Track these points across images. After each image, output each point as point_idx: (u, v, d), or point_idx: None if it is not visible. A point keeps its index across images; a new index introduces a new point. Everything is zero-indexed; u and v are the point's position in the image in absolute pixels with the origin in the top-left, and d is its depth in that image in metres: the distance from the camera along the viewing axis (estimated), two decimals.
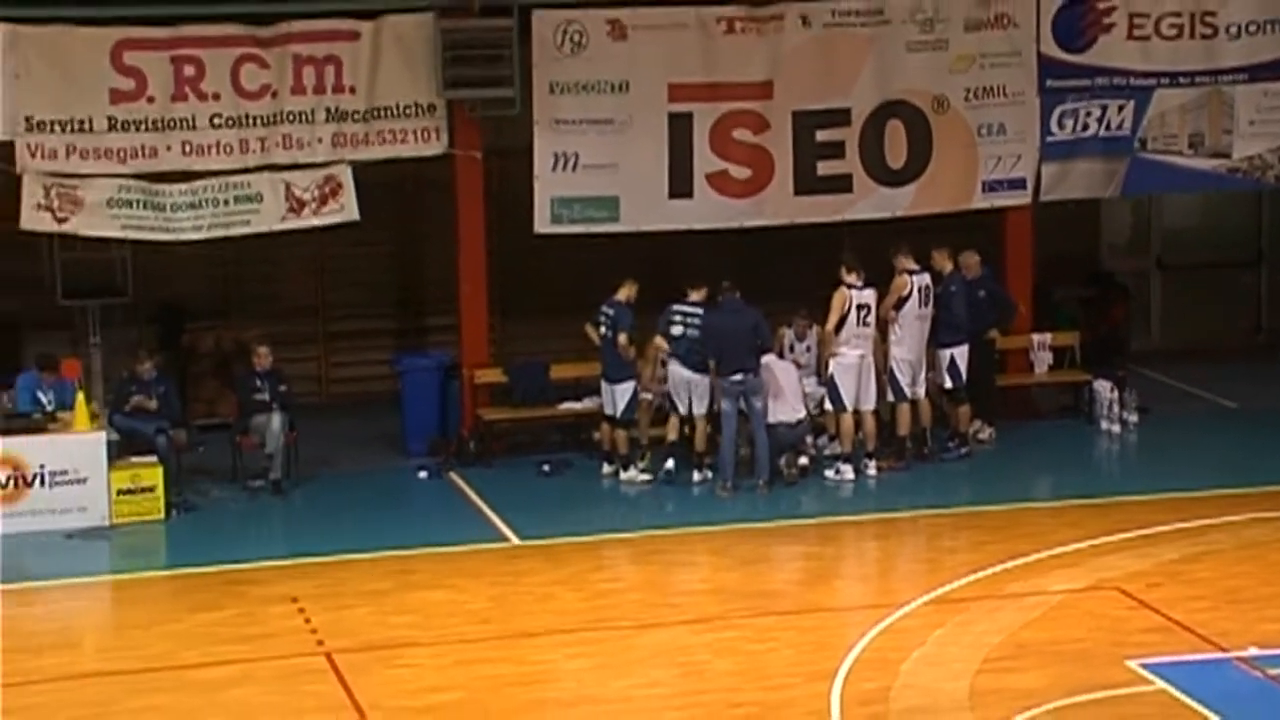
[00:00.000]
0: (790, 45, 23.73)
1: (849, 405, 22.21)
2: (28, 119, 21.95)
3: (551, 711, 15.99)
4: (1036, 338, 24.82)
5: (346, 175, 22.81)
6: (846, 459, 22.31)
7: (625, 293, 22.36)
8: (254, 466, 22.64)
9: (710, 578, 19.57)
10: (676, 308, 22.06)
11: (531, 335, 25.10)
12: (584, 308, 23.05)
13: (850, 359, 22.19)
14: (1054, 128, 24.44)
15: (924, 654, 16.65)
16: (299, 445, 22.81)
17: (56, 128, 22.00)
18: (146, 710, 16.12)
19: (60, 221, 22.13)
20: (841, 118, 23.96)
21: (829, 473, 22.46)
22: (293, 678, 16.65)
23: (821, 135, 24.07)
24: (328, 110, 22.70)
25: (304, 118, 22.64)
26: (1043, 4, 24.09)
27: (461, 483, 22.75)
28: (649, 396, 22.64)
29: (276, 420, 22.32)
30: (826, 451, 22.92)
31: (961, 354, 23.08)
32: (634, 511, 21.91)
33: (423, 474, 23.14)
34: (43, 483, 21.12)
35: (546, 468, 23.01)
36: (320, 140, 22.74)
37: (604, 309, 22.37)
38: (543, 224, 23.49)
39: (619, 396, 22.30)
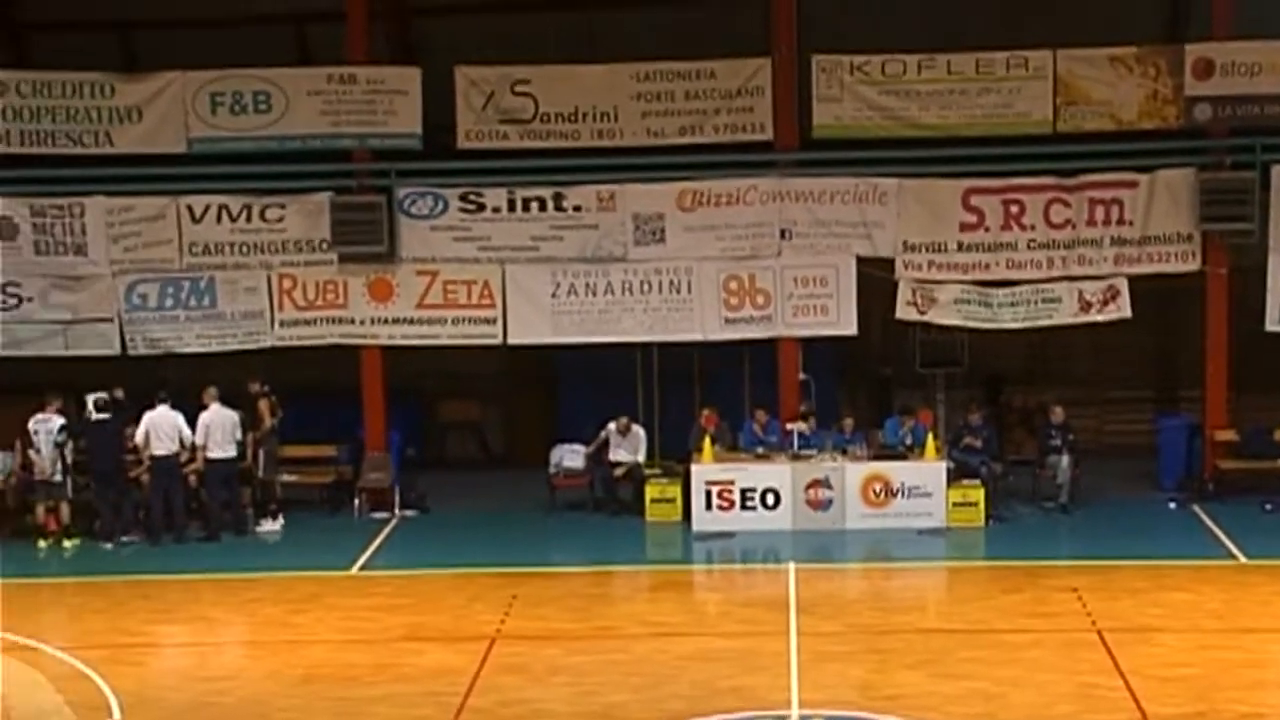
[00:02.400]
0: None
1: None
2: (904, 243, 22.53)
3: (1271, 692, 15.38)
4: None
5: (1123, 285, 22.59)
6: None
7: None
8: (1048, 492, 22.70)
9: None
10: None
11: (1260, 406, 23.99)
12: None
13: None
14: None
15: None
16: (1081, 479, 22.70)
17: (923, 249, 22.50)
18: (971, 660, 16.28)
19: (921, 313, 22.65)
20: None
21: None
22: (1072, 647, 16.67)
23: None
24: (1111, 238, 22.56)
25: (1094, 243, 22.55)
26: None
27: (1201, 514, 22.35)
28: None
29: (1065, 460, 22.39)
30: None
31: None
32: None
33: (1172, 505, 22.79)
34: (903, 494, 21.59)
35: (1269, 506, 22.37)
36: (1105, 259, 22.57)
37: None
38: (1272, 323, 22.65)
39: None
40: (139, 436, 21.67)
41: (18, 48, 24.42)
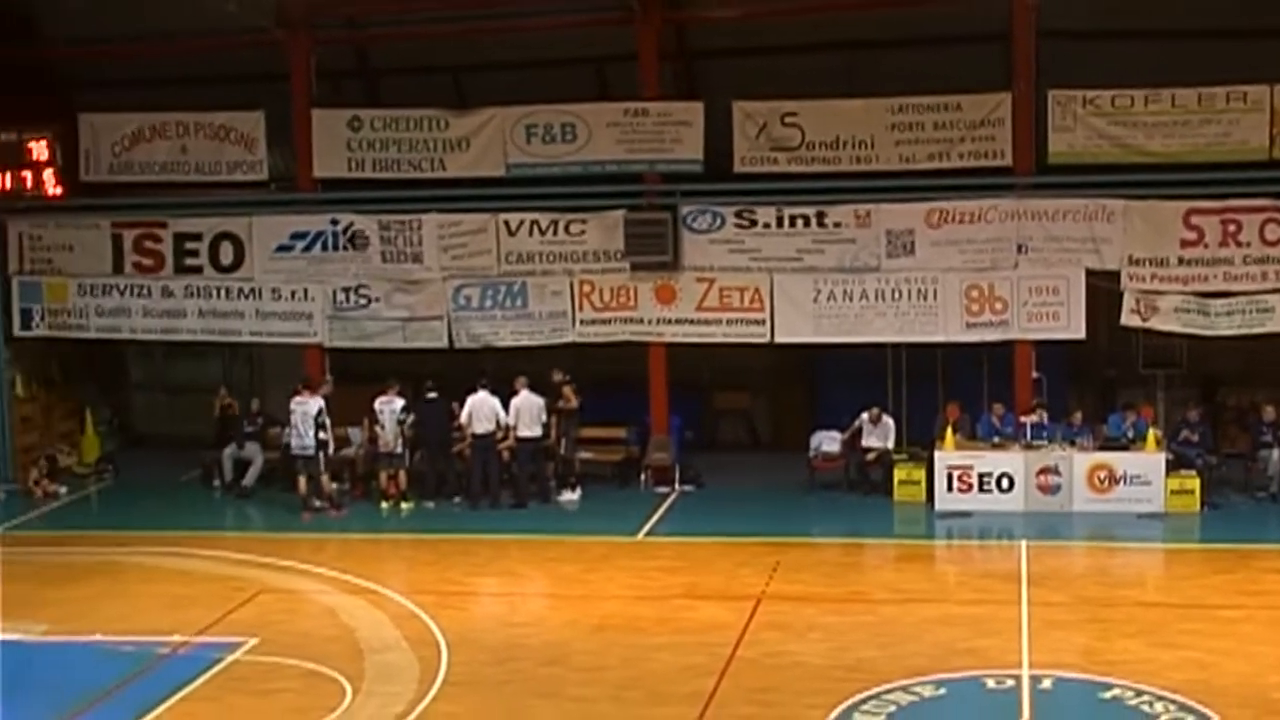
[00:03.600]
0: None
1: None
2: (1129, 257, 21.98)
3: None
4: None
5: None
6: None
7: None
8: (1260, 483, 21.95)
9: None
10: None
11: None
12: None
13: None
14: None
15: None
16: None
17: (1146, 263, 21.96)
18: (1187, 632, 16.09)
19: (1144, 320, 22.11)
20: None
21: None
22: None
23: None
24: None
25: None
26: None
27: None
28: None
29: (1276, 454, 21.61)
30: None
31: None
32: None
33: None
34: (1125, 482, 21.25)
35: None
36: None
37: None
38: None
39: None
40: (463, 417, 22.07)
41: (373, 89, 24.92)
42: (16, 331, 24.51)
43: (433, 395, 22.42)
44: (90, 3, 22.51)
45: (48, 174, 23.20)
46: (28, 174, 23.18)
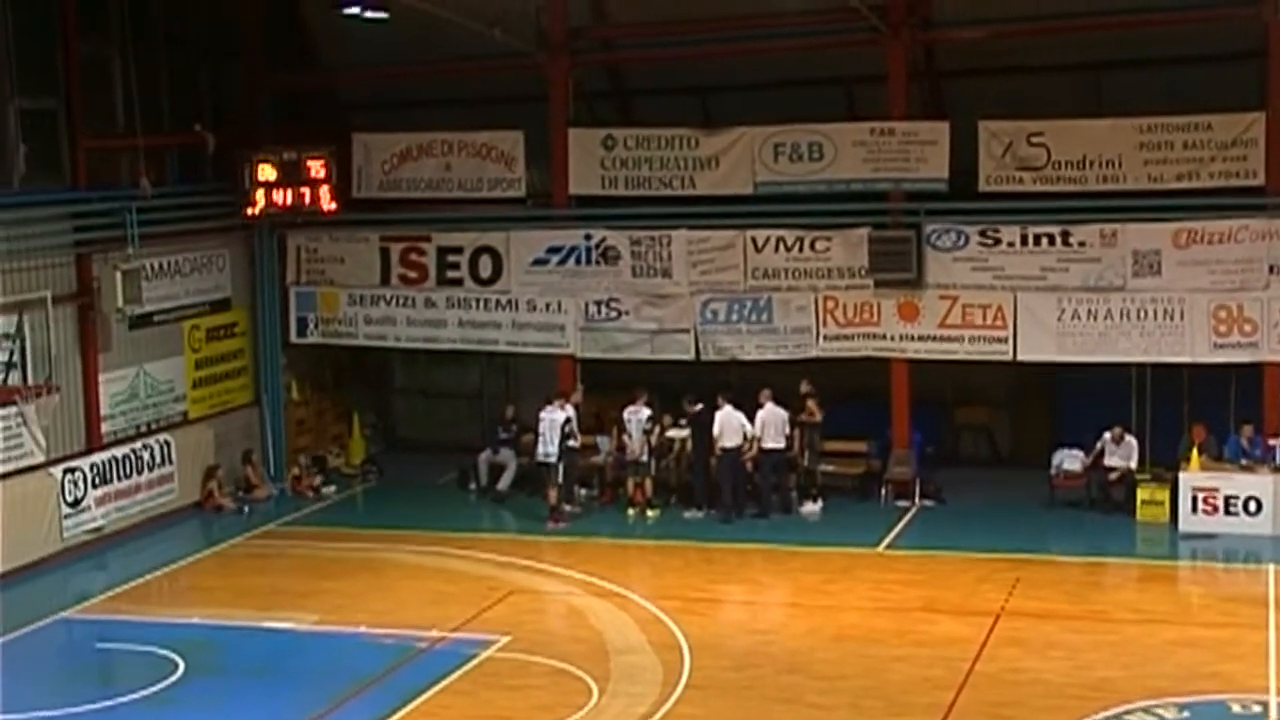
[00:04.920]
0: None
1: None
2: None
3: None
4: None
5: None
6: None
7: None
8: None
9: None
10: None
11: None
12: None
13: None
14: None
15: None
16: None
17: None
18: None
19: None
20: None
21: None
22: None
23: None
24: None
25: None
26: None
27: None
28: None
29: None
30: None
31: None
32: None
33: None
34: None
35: None
36: None
37: None
38: None
39: None
40: (715, 430, 22.05)
41: (626, 110, 25.11)
42: (293, 338, 25.27)
43: (699, 407, 22.48)
44: (366, 31, 22.95)
45: (324, 191, 23.65)
46: (306, 191, 23.62)
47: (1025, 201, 22.25)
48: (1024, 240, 22.43)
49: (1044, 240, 22.36)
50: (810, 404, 22.61)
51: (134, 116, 21.82)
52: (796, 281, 23.24)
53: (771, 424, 22.15)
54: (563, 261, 23.95)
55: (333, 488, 24.66)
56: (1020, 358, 22.56)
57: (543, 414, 22.17)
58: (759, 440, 22.08)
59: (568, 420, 22.01)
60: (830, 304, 23.18)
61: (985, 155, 22.25)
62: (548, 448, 21.97)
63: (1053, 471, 22.76)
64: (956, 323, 22.71)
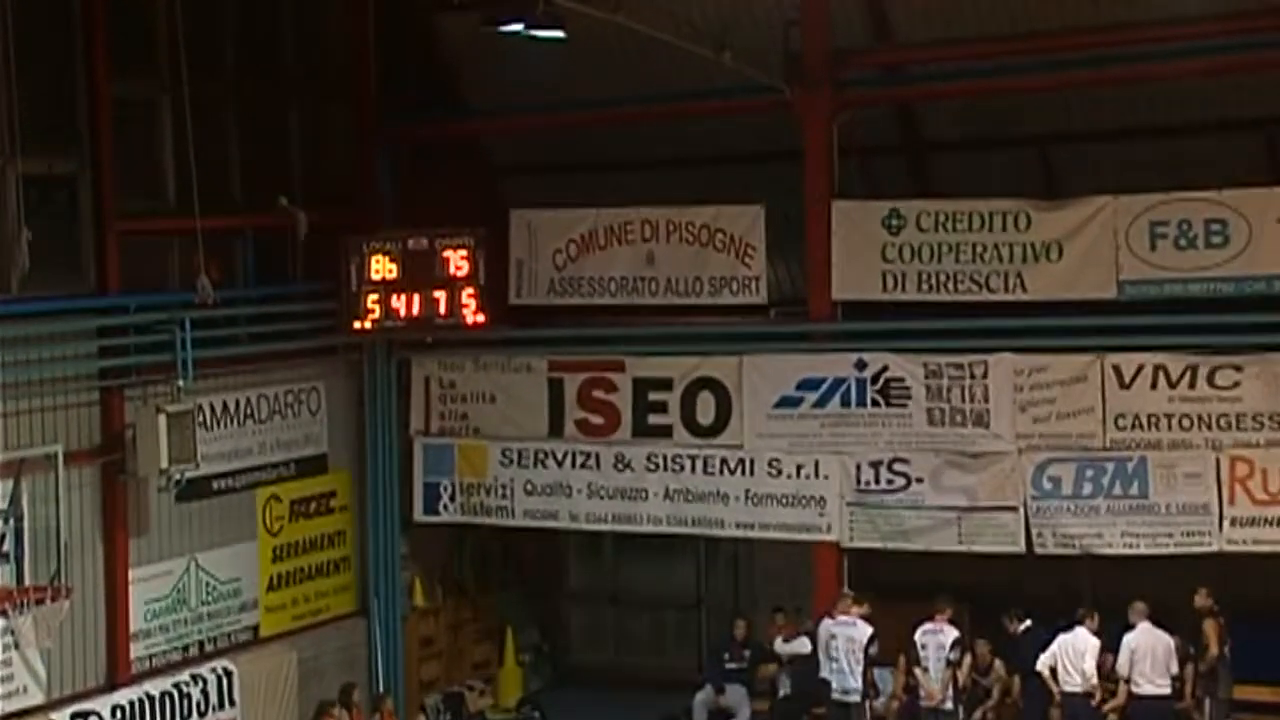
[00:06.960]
0: None
1: None
2: None
3: None
4: None
5: None
6: None
7: None
8: None
9: None
10: None
11: None
12: None
13: None
14: None
15: None
16: None
17: None
18: None
19: None
20: None
21: None
22: None
23: None
24: None
25: None
26: None
27: None
28: None
29: None
30: None
31: None
32: None
33: None
34: None
35: None
36: None
37: None
38: None
39: None
40: (1041, 663, 20.12)
41: (920, 173, 23.16)
42: (418, 516, 23.48)
43: (1027, 624, 20.74)
44: (530, 62, 21.44)
45: (467, 295, 21.89)
46: (441, 296, 21.94)
47: None
48: None
49: None
50: (1208, 626, 20.20)
51: (189, 185, 19.94)
52: (1186, 434, 20.71)
53: (1146, 655, 19.91)
54: (822, 401, 21.93)
55: None
56: None
57: (826, 625, 20.61)
58: (1128, 680, 19.96)
59: (872, 639, 20.36)
60: (1242, 470, 20.41)
61: None
62: (846, 679, 20.36)
63: None
64: None
